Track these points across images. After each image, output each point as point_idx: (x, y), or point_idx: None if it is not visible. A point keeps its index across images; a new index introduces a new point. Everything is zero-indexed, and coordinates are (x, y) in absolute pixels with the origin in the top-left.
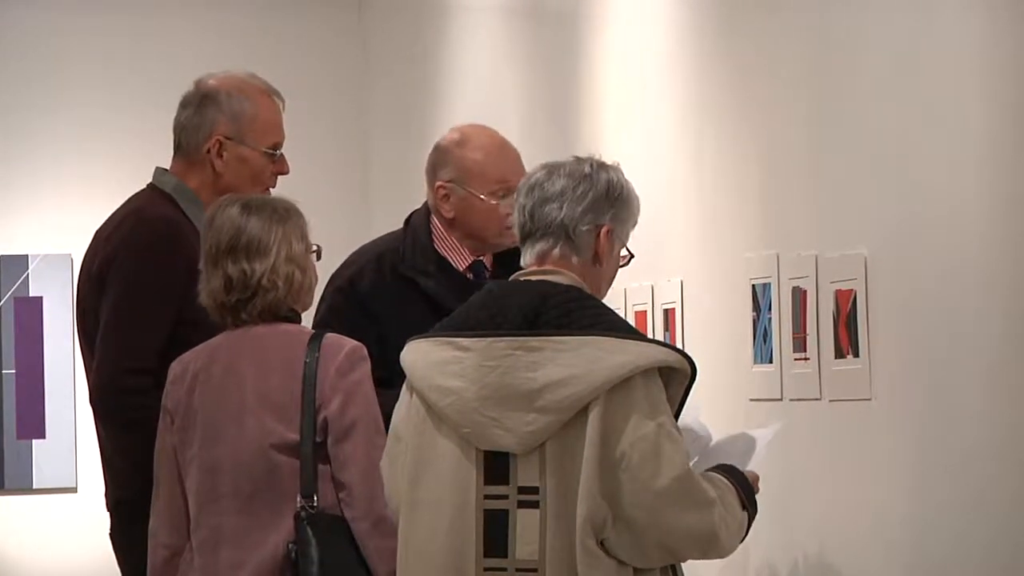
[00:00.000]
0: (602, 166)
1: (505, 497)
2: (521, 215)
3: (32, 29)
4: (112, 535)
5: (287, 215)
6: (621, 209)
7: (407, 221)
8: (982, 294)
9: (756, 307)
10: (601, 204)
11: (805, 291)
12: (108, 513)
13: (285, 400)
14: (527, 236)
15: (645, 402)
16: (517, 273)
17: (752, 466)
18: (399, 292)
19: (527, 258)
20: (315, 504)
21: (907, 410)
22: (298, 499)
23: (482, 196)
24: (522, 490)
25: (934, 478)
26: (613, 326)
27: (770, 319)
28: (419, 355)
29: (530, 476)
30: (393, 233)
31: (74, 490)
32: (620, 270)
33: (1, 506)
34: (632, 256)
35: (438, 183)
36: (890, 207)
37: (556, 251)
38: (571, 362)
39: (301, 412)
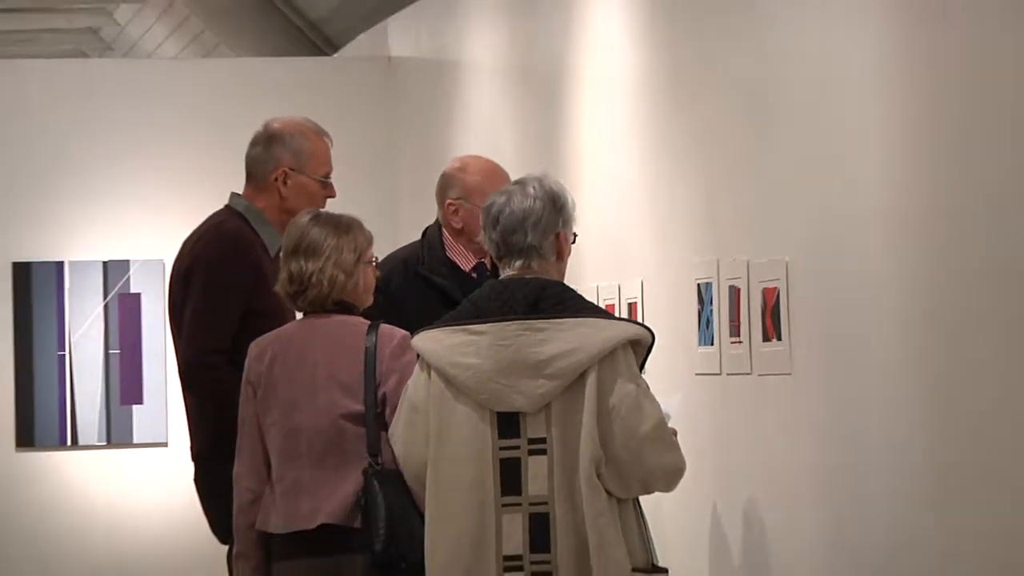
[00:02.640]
0: (540, 182)
1: (517, 447)
2: (493, 245)
3: (137, 82)
4: (195, 480)
5: (347, 230)
6: (564, 211)
7: (424, 233)
8: (879, 290)
9: (700, 301)
10: (553, 216)
11: (739, 289)
12: (192, 462)
13: (350, 378)
14: (503, 257)
15: (626, 368)
16: (506, 276)
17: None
18: (419, 288)
19: (508, 271)
20: (379, 462)
21: (818, 382)
22: (367, 457)
23: (480, 207)
24: (531, 441)
25: (838, 436)
26: (597, 310)
27: (712, 310)
28: (434, 342)
29: (538, 429)
30: (412, 243)
31: (165, 445)
32: (595, 274)
33: (108, 457)
34: (576, 236)
35: (448, 201)
36: (806, 222)
37: (533, 264)
38: (570, 339)
39: (364, 388)
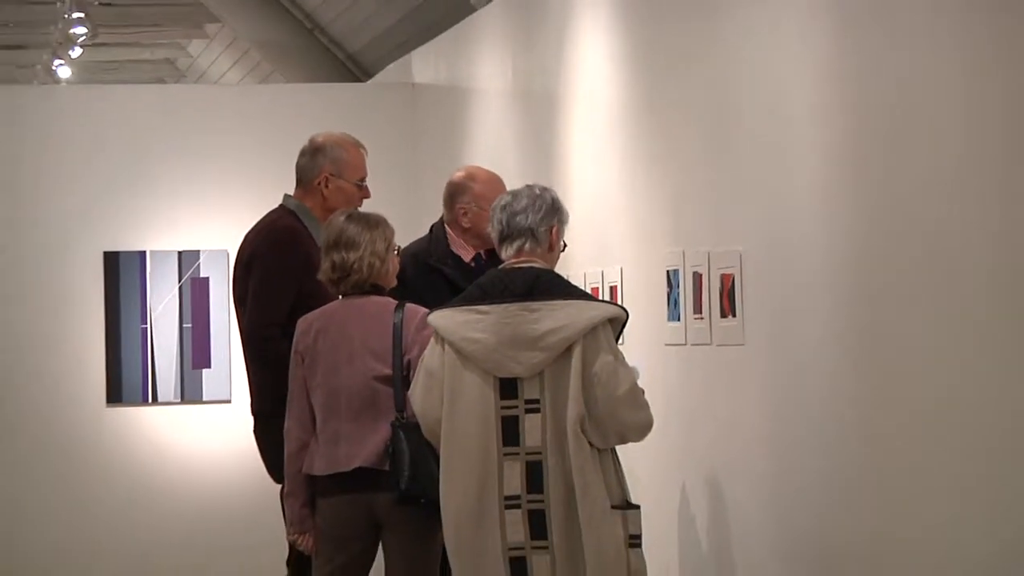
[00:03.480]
0: (544, 189)
1: (515, 407)
2: (499, 224)
3: (205, 104)
4: (254, 431)
5: (377, 224)
6: (561, 214)
7: (431, 229)
8: (817, 277)
9: (670, 284)
10: (550, 212)
11: (701, 274)
12: (251, 416)
13: (381, 347)
14: (505, 238)
15: (605, 342)
16: (504, 264)
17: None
18: (428, 277)
19: (507, 252)
20: (404, 416)
21: (766, 351)
22: (394, 413)
23: (486, 209)
24: (528, 402)
25: (781, 394)
26: (582, 294)
27: (678, 292)
28: (446, 320)
29: (533, 392)
30: (420, 239)
31: (229, 402)
32: (583, 262)
33: (182, 412)
34: (566, 245)
35: (459, 205)
36: (758, 220)
37: (527, 246)
38: (560, 317)
39: (392, 355)
